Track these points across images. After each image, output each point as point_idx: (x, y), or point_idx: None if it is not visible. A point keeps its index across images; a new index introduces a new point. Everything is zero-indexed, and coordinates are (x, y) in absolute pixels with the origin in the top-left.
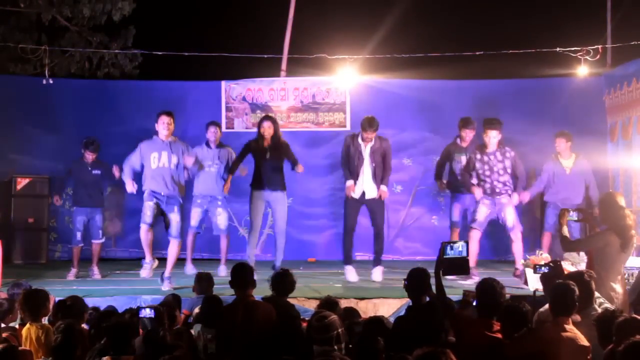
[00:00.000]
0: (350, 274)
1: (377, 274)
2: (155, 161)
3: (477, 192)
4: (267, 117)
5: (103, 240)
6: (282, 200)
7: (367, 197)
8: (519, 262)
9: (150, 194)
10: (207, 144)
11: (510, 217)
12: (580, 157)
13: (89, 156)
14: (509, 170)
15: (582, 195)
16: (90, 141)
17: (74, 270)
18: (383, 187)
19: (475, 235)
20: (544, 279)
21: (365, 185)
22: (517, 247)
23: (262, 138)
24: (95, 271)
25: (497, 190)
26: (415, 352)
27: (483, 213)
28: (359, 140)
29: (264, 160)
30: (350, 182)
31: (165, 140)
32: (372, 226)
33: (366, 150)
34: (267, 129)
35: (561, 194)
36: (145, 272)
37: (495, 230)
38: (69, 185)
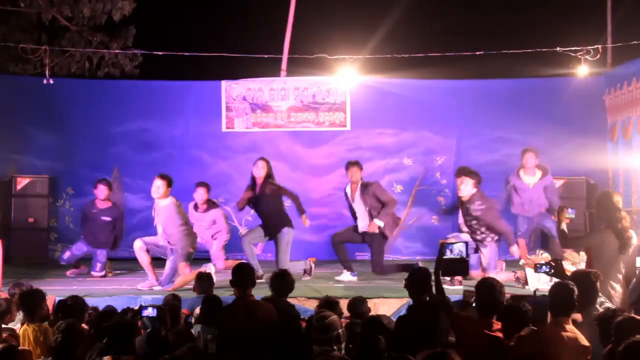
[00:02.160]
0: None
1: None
2: None
3: None
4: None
5: (102, 273)
6: None
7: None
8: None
9: None
10: (195, 206)
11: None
12: (548, 175)
13: (101, 193)
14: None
15: (543, 209)
16: (99, 179)
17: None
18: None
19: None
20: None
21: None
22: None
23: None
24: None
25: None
26: (418, 356)
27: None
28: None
29: None
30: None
31: None
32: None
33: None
34: (261, 169)
35: (526, 205)
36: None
37: None
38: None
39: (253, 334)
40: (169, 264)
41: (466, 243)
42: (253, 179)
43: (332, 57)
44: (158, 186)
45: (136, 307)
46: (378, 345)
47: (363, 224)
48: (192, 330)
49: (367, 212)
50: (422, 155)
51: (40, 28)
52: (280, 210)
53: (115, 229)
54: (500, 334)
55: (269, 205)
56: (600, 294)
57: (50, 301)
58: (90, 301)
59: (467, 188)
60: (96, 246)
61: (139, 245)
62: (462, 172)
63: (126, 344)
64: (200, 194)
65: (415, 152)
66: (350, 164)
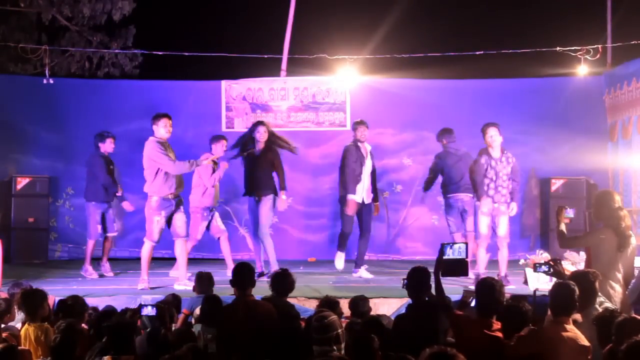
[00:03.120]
0: (340, 260)
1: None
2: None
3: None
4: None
5: (116, 233)
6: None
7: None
8: (503, 270)
9: (160, 203)
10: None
11: (503, 226)
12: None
13: (110, 146)
14: (510, 177)
15: None
16: (106, 132)
17: (90, 268)
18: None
19: (483, 246)
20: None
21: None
22: (503, 255)
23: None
24: (107, 268)
25: (499, 196)
26: (425, 351)
27: (485, 224)
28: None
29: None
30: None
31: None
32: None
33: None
34: (263, 134)
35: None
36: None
37: None
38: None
39: (253, 334)
40: (183, 218)
41: (466, 243)
42: (250, 139)
43: (332, 57)
44: (171, 124)
45: (135, 307)
46: (372, 344)
47: (365, 194)
48: (192, 330)
49: (371, 181)
50: (422, 155)
51: (40, 28)
52: (271, 177)
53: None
54: (500, 334)
55: (265, 167)
56: (600, 294)
57: (50, 301)
58: (90, 301)
59: (498, 137)
60: (108, 199)
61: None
62: (486, 125)
63: (126, 344)
64: (222, 146)
65: (415, 152)
66: (359, 123)
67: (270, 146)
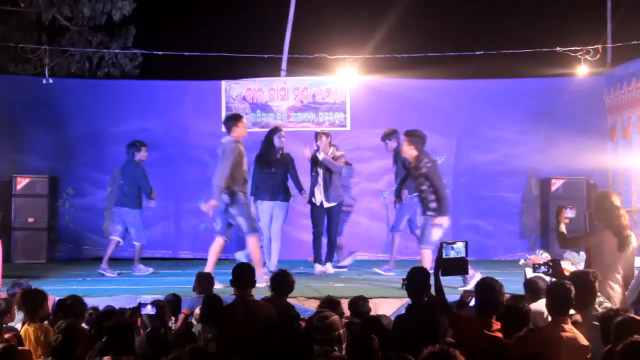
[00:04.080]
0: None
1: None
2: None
3: None
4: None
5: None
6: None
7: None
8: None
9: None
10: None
11: (426, 235)
12: None
13: (144, 155)
14: (424, 187)
15: None
16: (138, 142)
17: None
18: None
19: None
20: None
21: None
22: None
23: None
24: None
25: (424, 207)
26: (425, 350)
27: (438, 235)
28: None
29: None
30: None
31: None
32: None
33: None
34: (283, 139)
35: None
36: None
37: (496, 231)
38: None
39: (253, 334)
40: None
41: (466, 242)
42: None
43: (332, 57)
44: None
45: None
46: (371, 344)
47: (321, 198)
48: (192, 330)
49: (324, 184)
50: None
51: (40, 28)
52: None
53: None
54: (499, 334)
55: (283, 173)
56: (599, 294)
57: (50, 301)
58: (90, 301)
59: (408, 150)
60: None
61: None
62: (405, 134)
63: (126, 344)
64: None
65: None
66: (320, 134)
67: (285, 153)
